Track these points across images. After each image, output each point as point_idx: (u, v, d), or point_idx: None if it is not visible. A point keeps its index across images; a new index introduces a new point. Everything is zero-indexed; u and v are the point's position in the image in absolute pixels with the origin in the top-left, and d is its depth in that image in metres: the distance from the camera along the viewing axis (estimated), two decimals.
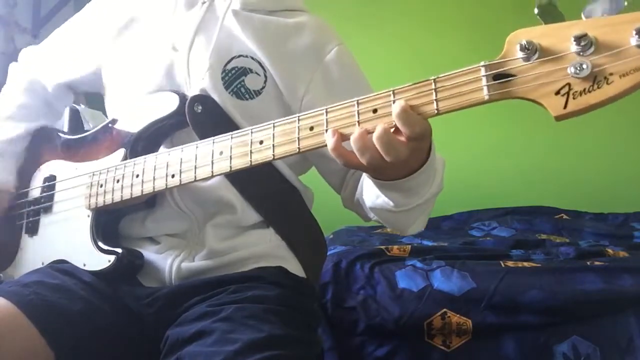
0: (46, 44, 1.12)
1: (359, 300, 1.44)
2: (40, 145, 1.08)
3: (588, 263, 1.49)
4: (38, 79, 1.12)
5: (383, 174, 0.72)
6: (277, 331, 0.76)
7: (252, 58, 0.91)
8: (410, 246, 1.69)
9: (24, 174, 1.06)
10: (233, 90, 0.90)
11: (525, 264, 1.51)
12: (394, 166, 0.68)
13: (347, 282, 1.48)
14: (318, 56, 0.92)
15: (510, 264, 1.50)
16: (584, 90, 0.55)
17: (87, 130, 1.04)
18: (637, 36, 0.53)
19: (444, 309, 1.37)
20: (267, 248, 0.92)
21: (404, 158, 0.66)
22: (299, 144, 0.70)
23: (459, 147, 2.89)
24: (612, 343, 1.28)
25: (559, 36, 0.57)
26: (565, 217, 2.45)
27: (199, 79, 0.90)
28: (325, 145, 0.68)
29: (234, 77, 0.90)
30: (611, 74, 0.54)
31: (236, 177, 0.89)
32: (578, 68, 0.55)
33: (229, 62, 0.90)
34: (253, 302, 0.82)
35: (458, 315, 1.36)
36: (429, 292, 1.40)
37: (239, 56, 0.91)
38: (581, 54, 0.56)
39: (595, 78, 0.55)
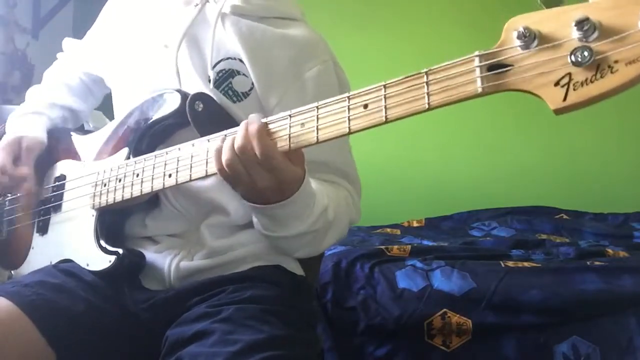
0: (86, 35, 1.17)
1: (359, 300, 1.44)
2: (53, 145, 1.09)
3: (588, 263, 1.49)
4: (73, 64, 1.18)
5: (239, 192, 0.78)
6: (277, 331, 0.76)
7: (240, 60, 0.90)
8: (410, 246, 1.69)
9: (39, 173, 1.07)
10: (221, 92, 0.89)
11: (525, 264, 1.51)
12: (246, 187, 0.74)
13: (347, 282, 1.48)
14: (298, 71, 0.90)
15: (510, 264, 1.50)
16: (586, 80, 0.49)
17: (95, 130, 1.05)
18: None
19: (444, 309, 1.37)
20: (264, 246, 0.91)
21: (247, 181, 0.73)
22: (289, 142, 0.70)
23: (459, 147, 2.90)
24: (612, 343, 1.28)
25: (560, 21, 0.51)
26: (565, 217, 2.46)
27: (188, 80, 0.91)
28: (313, 144, 0.69)
29: (222, 79, 0.90)
30: (616, 62, 0.48)
31: None
32: (579, 56, 0.49)
33: (217, 64, 0.90)
34: (252, 302, 0.82)
35: (458, 315, 1.36)
36: (429, 292, 1.40)
37: (227, 58, 0.90)
38: (583, 40, 0.50)
39: (599, 67, 0.49)
